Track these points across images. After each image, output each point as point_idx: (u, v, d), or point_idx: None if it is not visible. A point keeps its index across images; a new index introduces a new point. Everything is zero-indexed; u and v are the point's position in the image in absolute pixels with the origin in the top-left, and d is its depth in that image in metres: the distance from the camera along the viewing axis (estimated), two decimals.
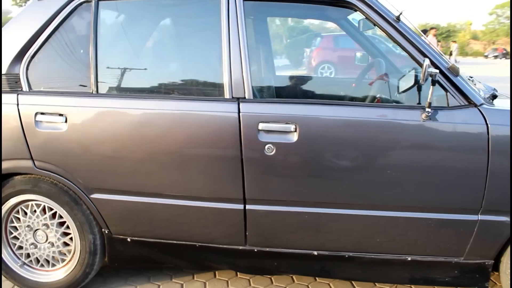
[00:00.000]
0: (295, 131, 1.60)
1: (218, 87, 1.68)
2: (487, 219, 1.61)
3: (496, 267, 1.71)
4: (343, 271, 1.79)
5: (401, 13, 1.61)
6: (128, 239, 1.83)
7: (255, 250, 1.76)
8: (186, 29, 1.86)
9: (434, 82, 1.51)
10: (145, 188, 1.74)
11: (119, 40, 1.83)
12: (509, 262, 1.64)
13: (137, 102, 1.72)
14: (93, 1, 1.77)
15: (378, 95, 1.90)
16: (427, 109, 1.53)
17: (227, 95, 1.66)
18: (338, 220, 1.67)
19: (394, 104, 1.69)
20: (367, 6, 1.62)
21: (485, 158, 1.55)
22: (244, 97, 1.65)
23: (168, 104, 1.70)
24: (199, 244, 1.79)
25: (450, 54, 18.70)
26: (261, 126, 1.62)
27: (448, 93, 1.58)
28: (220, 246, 1.78)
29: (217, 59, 1.68)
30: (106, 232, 1.83)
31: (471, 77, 2.00)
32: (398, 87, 1.68)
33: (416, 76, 1.54)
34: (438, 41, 13.76)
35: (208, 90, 1.74)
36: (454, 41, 23.10)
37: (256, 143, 1.62)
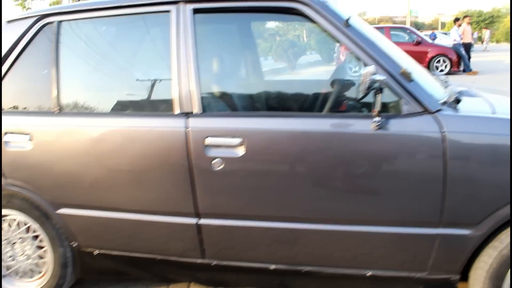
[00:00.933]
0: (242, 144, 1.57)
1: (169, 103, 1.69)
2: (447, 233, 1.50)
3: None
4: (302, 286, 1.73)
5: (349, 18, 1.53)
6: (95, 252, 1.88)
7: (213, 263, 1.75)
8: (140, 45, 1.88)
9: (380, 90, 1.42)
10: (105, 203, 1.78)
11: (78, 59, 1.88)
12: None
13: (93, 119, 1.76)
14: (55, 22, 1.83)
15: (345, 101, 1.82)
16: (375, 119, 1.45)
17: (176, 110, 1.66)
18: (291, 234, 1.63)
19: (344, 114, 1.61)
20: (314, 11, 1.55)
21: (441, 169, 1.44)
22: (192, 112, 1.64)
23: (122, 120, 1.73)
24: (160, 257, 1.81)
25: (482, 41, 17.60)
26: (208, 141, 1.60)
27: (400, 100, 1.49)
28: (179, 259, 1.79)
29: (168, 74, 1.68)
30: (75, 245, 1.89)
31: (446, 80, 1.87)
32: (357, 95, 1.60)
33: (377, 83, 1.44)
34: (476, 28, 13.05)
35: (161, 106, 1.75)
36: (486, 28, 21.77)
37: (203, 158, 1.61)
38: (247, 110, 1.68)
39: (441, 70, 11.06)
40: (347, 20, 1.53)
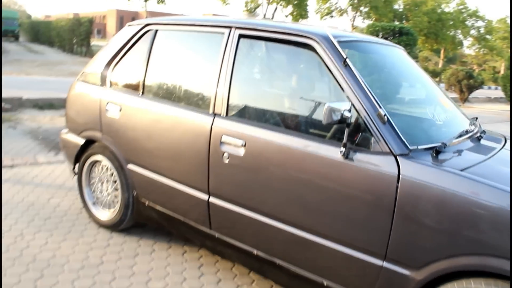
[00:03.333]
0: (244, 146, 1.94)
1: (207, 103, 2.15)
2: (390, 268, 1.60)
3: None
4: (274, 275, 2.01)
5: (346, 58, 1.73)
6: (146, 203, 2.50)
7: (216, 235, 2.17)
8: (200, 55, 2.35)
9: (348, 125, 1.61)
10: (155, 167, 2.36)
11: (161, 59, 2.48)
12: None
13: (159, 104, 2.34)
14: (153, 30, 2.48)
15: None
16: (341, 149, 1.64)
17: (210, 110, 2.12)
18: (269, 228, 1.92)
19: (321, 139, 1.78)
20: (321, 48, 1.80)
21: (391, 207, 1.56)
22: (220, 114, 2.08)
23: (176, 109, 2.26)
24: (183, 219, 2.31)
25: None
26: (223, 138, 2.02)
27: (372, 138, 1.64)
28: (195, 225, 2.26)
29: (213, 81, 2.14)
30: (135, 194, 2.54)
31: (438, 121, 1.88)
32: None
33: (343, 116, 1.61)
34: None
35: (202, 104, 2.20)
36: None
37: (218, 150, 2.03)
38: (251, 120, 2.01)
39: None
40: (345, 60, 1.73)
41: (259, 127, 1.93)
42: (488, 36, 34.85)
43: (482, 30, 34.61)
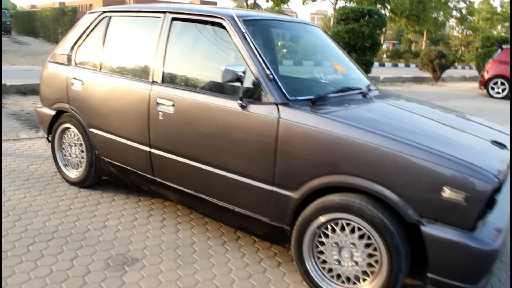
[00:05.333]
0: (173, 106, 2.46)
1: (148, 73, 2.65)
2: (277, 191, 2.13)
3: None
4: (201, 209, 2.55)
5: (245, 32, 2.24)
6: (105, 160, 3.01)
7: (158, 180, 2.70)
8: (144, 35, 2.84)
9: (242, 83, 2.12)
10: (109, 128, 2.87)
11: (114, 41, 2.97)
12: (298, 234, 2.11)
13: (110, 77, 2.85)
14: (108, 16, 2.97)
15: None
16: (238, 101, 2.17)
17: (150, 78, 2.63)
18: (194, 169, 2.44)
19: (226, 95, 2.27)
20: (229, 26, 2.31)
21: (274, 144, 2.09)
22: (156, 81, 2.59)
23: (122, 80, 2.77)
24: (134, 170, 2.83)
25: None
26: (158, 100, 2.53)
27: (262, 92, 2.16)
28: (142, 173, 2.78)
29: (151, 56, 2.65)
30: (96, 153, 3.06)
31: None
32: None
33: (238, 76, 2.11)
34: None
35: (144, 75, 2.70)
36: None
37: (155, 110, 2.54)
38: (179, 84, 2.53)
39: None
40: (243, 34, 2.24)
41: (184, 90, 2.45)
42: (470, 17, 35.39)
43: (464, 11, 35.12)
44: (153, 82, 2.61)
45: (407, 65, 23.95)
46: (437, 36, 38.99)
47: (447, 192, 1.70)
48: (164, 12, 2.65)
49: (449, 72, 14.70)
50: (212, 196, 2.43)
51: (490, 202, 1.85)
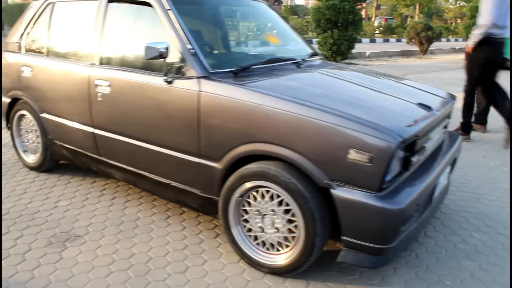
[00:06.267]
0: (110, 86, 2.51)
1: (87, 56, 2.70)
2: (203, 162, 2.20)
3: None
4: (142, 184, 2.63)
5: (168, 9, 2.28)
6: (58, 143, 3.08)
7: (103, 159, 2.77)
8: (84, 20, 2.86)
9: (164, 59, 2.16)
10: (58, 112, 2.93)
11: (60, 26, 3.01)
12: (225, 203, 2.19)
13: (53, 61, 2.90)
14: (52, 3, 3.00)
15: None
16: (163, 77, 2.22)
17: (89, 61, 2.67)
18: (131, 147, 2.50)
19: (153, 72, 2.32)
20: (156, 5, 2.34)
21: (197, 117, 2.14)
22: (95, 64, 2.63)
23: (65, 64, 2.82)
24: (83, 151, 2.90)
25: None
26: (96, 82, 2.58)
27: (185, 67, 2.20)
28: (90, 154, 2.85)
29: (90, 39, 2.69)
30: (50, 137, 3.13)
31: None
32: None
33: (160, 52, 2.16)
34: None
35: (84, 57, 2.75)
36: None
37: (94, 91, 2.60)
38: (114, 65, 2.57)
39: None
40: (166, 11, 2.28)
41: (118, 70, 2.50)
42: None
43: None
44: (92, 64, 2.65)
45: (398, 40, 23.76)
46: (432, 9, 38.40)
47: (352, 154, 1.75)
48: None
49: (438, 45, 14.64)
50: (150, 172, 2.50)
51: (405, 163, 1.91)
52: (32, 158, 3.35)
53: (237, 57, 2.49)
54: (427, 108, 2.20)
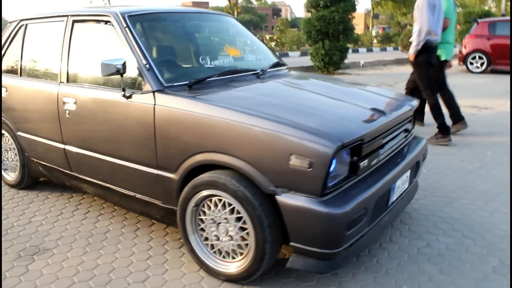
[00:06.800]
0: (75, 103, 2.59)
1: (56, 75, 2.80)
2: (162, 174, 2.25)
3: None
4: (110, 198, 2.69)
5: (126, 26, 2.37)
6: (34, 160, 3.16)
7: (75, 174, 2.83)
8: (51, 40, 2.95)
9: (121, 75, 2.24)
10: (31, 131, 3.02)
11: (32, 46, 3.12)
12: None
13: (27, 81, 3.00)
14: (24, 24, 3.12)
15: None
16: (121, 92, 2.29)
17: (58, 79, 2.77)
18: (98, 161, 2.56)
19: (113, 88, 2.41)
20: (115, 22, 2.44)
21: (153, 130, 2.21)
22: (63, 82, 2.73)
23: (37, 83, 2.92)
24: (56, 167, 2.97)
25: None
26: (64, 99, 2.67)
27: (142, 81, 2.28)
28: (63, 170, 2.92)
29: (58, 58, 2.79)
30: (26, 155, 3.21)
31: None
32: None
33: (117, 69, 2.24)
34: None
35: (53, 76, 2.84)
36: None
37: (63, 109, 2.68)
38: (79, 82, 2.67)
39: None
40: (125, 28, 2.37)
41: (82, 87, 2.59)
42: None
43: None
44: (61, 82, 2.74)
45: (396, 49, 23.83)
46: None
47: (293, 160, 1.79)
48: (67, 16, 2.78)
49: None
50: (116, 185, 2.56)
51: (353, 168, 1.95)
52: (11, 176, 3.44)
53: (193, 71, 2.57)
54: (380, 112, 2.24)
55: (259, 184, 1.90)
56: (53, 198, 3.24)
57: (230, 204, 2.02)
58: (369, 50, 22.95)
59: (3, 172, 3.51)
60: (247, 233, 2.00)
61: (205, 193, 2.06)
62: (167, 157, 2.20)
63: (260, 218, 1.90)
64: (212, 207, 2.09)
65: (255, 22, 64.65)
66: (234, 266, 2.07)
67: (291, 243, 1.90)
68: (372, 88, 2.81)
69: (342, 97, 2.41)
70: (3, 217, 2.93)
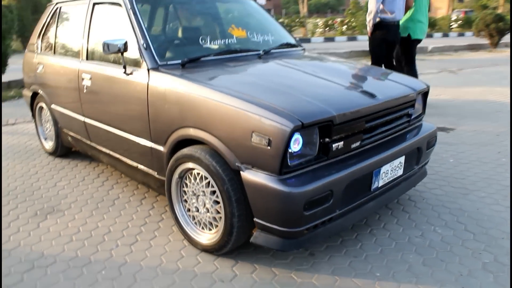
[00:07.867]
0: (91, 79, 2.82)
1: (79, 52, 3.05)
2: (154, 146, 2.39)
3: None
4: (120, 167, 2.89)
5: (130, 8, 2.51)
6: (64, 131, 3.49)
7: (93, 145, 3.09)
8: (79, 20, 3.20)
9: (122, 53, 2.40)
10: (62, 103, 3.33)
11: (64, 27, 3.41)
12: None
13: (60, 58, 3.30)
14: (60, 6, 3.42)
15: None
16: (122, 70, 2.45)
17: (79, 57, 3.02)
18: (109, 133, 2.77)
19: (116, 64, 2.58)
20: (123, 4, 2.60)
21: (146, 104, 2.35)
22: (83, 59, 2.97)
23: (66, 60, 3.20)
24: (80, 138, 3.26)
25: None
26: (83, 75, 2.91)
27: (141, 59, 2.41)
28: (85, 141, 3.19)
29: (81, 37, 3.03)
30: (59, 126, 3.55)
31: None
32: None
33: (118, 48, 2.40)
34: None
35: (77, 54, 3.09)
36: None
37: (81, 84, 2.93)
38: (95, 60, 2.87)
39: None
40: (128, 9, 2.51)
41: (97, 64, 2.80)
42: None
43: None
44: (82, 60, 2.99)
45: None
46: None
47: (254, 137, 1.82)
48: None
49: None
50: (122, 155, 2.76)
51: (324, 149, 1.93)
52: (49, 144, 3.82)
53: (190, 50, 2.65)
54: (369, 95, 2.17)
55: (227, 160, 1.96)
56: (81, 167, 3.55)
57: (206, 178, 2.11)
58: (445, 35, 21.43)
59: (43, 141, 3.91)
60: (220, 207, 2.07)
61: (186, 166, 2.17)
62: (157, 131, 2.33)
63: (229, 193, 1.96)
64: (192, 180, 2.19)
65: (332, 5, 62.70)
66: (208, 237, 2.16)
67: (255, 219, 1.94)
68: (378, 71, 2.71)
69: (335, 79, 2.36)
70: (33, 180, 3.28)
